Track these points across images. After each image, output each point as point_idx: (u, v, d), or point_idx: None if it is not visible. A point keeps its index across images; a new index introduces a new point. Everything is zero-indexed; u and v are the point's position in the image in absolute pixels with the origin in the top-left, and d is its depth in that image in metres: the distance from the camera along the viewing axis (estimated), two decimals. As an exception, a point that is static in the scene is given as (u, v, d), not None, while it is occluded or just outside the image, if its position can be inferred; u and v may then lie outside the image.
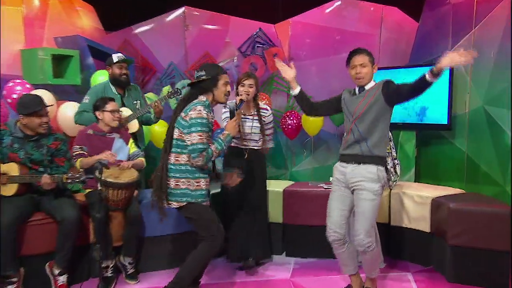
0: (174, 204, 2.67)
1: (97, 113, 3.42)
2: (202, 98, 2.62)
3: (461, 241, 3.34)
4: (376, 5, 4.92)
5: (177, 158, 2.63)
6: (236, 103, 3.20)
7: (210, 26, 5.07)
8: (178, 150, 2.64)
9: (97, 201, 2.99)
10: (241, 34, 5.06)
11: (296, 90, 2.90)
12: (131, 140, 3.49)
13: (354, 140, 2.64)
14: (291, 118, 4.83)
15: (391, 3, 4.96)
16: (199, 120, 2.51)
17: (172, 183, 2.64)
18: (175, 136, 2.62)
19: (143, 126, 3.93)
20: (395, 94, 2.54)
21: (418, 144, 4.45)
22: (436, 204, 3.60)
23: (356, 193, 2.66)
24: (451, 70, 4.05)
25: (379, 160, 2.64)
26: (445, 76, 4.03)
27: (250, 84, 3.35)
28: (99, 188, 2.95)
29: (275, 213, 4.07)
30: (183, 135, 2.60)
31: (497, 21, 3.80)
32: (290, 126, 4.82)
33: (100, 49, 4.63)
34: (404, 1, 5.05)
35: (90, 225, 3.41)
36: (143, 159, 3.45)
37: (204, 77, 2.65)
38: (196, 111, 2.53)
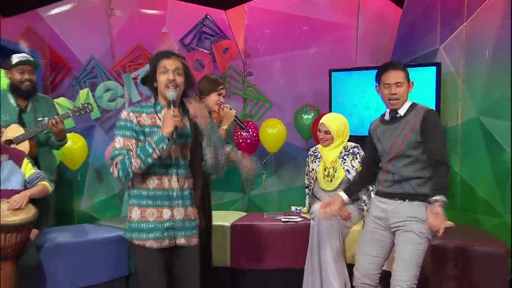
0: None
1: None
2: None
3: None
4: (352, -11, 4.95)
5: None
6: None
7: (143, 11, 4.81)
8: None
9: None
10: (183, 22, 4.85)
11: (345, 198, 2.89)
12: (26, 161, 3.08)
13: (393, 180, 2.67)
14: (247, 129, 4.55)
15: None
16: (117, 123, 2.36)
17: None
18: None
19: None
20: (426, 141, 2.54)
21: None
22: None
23: (399, 236, 2.64)
24: (438, 71, 3.83)
25: (427, 198, 2.58)
26: (431, 79, 3.85)
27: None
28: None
29: (221, 253, 3.69)
30: None
31: (492, 13, 3.54)
32: (248, 141, 4.51)
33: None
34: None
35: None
36: (46, 183, 3.06)
37: None
38: None
